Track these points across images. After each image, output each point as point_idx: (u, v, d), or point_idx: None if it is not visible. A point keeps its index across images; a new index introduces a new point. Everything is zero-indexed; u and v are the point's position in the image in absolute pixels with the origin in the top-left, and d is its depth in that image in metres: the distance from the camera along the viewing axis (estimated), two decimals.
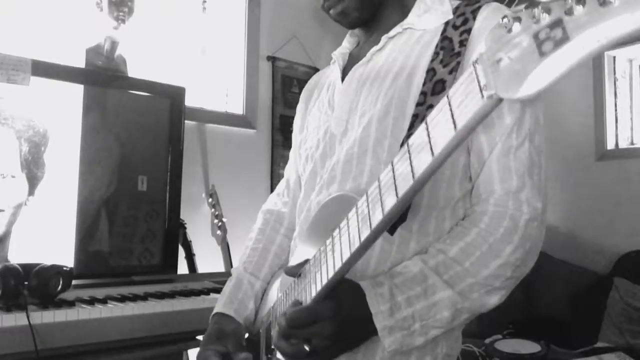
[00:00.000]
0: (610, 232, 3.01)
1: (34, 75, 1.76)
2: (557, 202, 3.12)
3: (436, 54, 0.85)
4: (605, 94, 3.14)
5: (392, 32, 0.92)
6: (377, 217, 0.61)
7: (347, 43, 1.06)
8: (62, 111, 1.88)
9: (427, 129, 0.55)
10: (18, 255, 1.73)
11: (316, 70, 1.20)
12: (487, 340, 2.52)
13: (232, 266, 2.47)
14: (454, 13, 0.88)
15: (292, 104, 3.23)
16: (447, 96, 0.52)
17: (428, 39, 0.89)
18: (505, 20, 0.46)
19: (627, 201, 2.98)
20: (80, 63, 2.11)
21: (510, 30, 0.46)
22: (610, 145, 3.16)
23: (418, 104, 0.82)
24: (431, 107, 0.79)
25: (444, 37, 0.86)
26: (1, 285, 1.33)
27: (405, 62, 0.89)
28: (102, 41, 2.18)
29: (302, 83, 3.26)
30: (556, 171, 3.08)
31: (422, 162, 0.55)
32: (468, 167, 0.85)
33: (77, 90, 1.91)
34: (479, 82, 0.49)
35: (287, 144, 3.22)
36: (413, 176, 0.56)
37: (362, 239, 0.64)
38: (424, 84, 0.83)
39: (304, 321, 0.75)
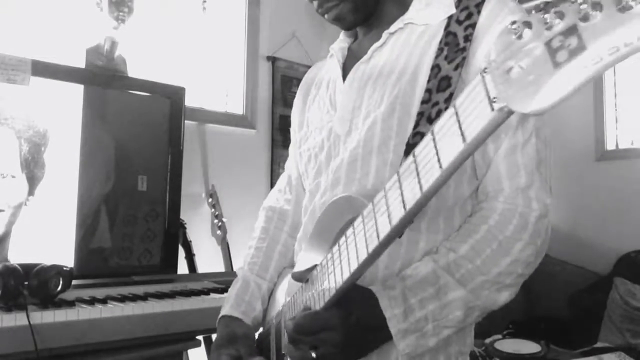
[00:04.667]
0: (610, 232, 3.01)
1: (34, 75, 1.76)
2: (557, 202, 3.11)
3: (440, 49, 0.82)
4: (605, 94, 3.14)
5: (392, 28, 0.89)
6: (385, 229, 0.60)
7: (345, 36, 1.03)
8: (62, 111, 1.88)
9: (434, 139, 0.53)
10: (18, 255, 1.73)
11: None
12: (487, 340, 2.52)
13: (232, 266, 2.48)
14: (456, 7, 0.85)
15: (292, 104, 3.22)
16: (454, 106, 0.50)
17: (431, 35, 0.86)
18: (515, 25, 0.43)
19: (627, 201, 2.98)
20: (80, 63, 2.11)
21: (520, 37, 0.43)
22: (610, 145, 3.16)
23: (423, 102, 0.80)
24: (437, 104, 0.78)
25: (448, 32, 0.83)
26: (1, 285, 1.33)
27: (408, 59, 0.86)
28: (102, 41, 2.17)
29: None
30: (556, 171, 3.07)
31: (430, 175, 0.53)
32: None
33: (77, 90, 1.91)
34: (488, 93, 0.46)
35: (287, 143, 3.21)
36: (421, 188, 0.54)
37: (370, 250, 0.63)
38: (428, 81, 0.81)
39: (311, 328, 0.74)
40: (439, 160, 0.52)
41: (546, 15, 0.41)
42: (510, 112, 0.45)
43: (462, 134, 0.49)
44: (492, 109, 0.45)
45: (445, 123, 0.51)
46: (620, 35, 0.37)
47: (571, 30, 0.39)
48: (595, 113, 3.14)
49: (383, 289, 0.77)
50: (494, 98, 0.45)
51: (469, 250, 0.77)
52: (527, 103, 0.42)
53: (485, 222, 0.78)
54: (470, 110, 0.48)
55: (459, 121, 0.49)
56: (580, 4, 0.39)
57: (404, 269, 0.81)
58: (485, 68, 0.46)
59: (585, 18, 0.38)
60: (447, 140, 0.51)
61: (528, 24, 0.42)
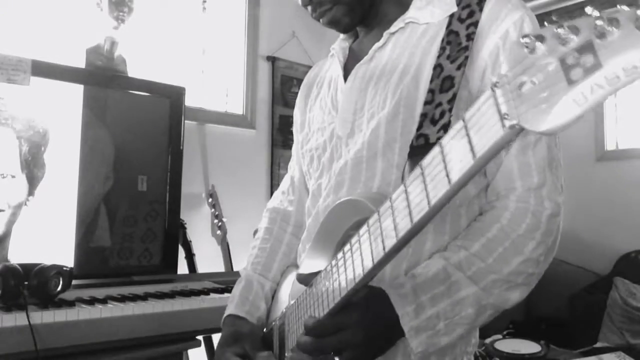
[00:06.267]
0: (610, 232, 3.01)
1: (34, 75, 1.76)
2: None
3: (442, 49, 0.81)
4: None
5: (393, 28, 0.88)
6: (391, 242, 0.59)
7: (345, 36, 1.02)
8: (62, 111, 1.88)
9: (443, 153, 0.52)
10: (18, 255, 1.73)
11: None
12: (487, 340, 2.52)
13: (232, 266, 2.48)
14: (458, 4, 0.84)
15: (292, 104, 3.22)
16: (464, 119, 0.49)
17: (433, 34, 0.85)
18: (527, 39, 0.42)
19: (627, 201, 2.98)
20: (80, 63, 2.11)
21: (533, 51, 0.41)
22: (610, 146, 3.16)
23: (426, 103, 0.79)
24: (440, 105, 0.77)
25: (450, 31, 0.82)
26: (1, 285, 1.33)
27: (410, 59, 0.85)
28: (102, 41, 2.17)
29: (301, 83, 3.26)
30: None
31: (438, 189, 0.52)
32: None
33: (77, 90, 1.91)
34: (499, 109, 0.44)
35: (287, 143, 3.22)
36: (429, 203, 0.53)
37: (376, 260, 0.62)
38: (431, 81, 0.80)
39: (328, 329, 0.73)
40: (447, 175, 0.51)
41: (560, 30, 0.39)
42: (522, 130, 0.43)
43: (472, 150, 0.47)
44: (503, 126, 0.44)
45: (454, 137, 0.50)
46: (638, 54, 0.36)
47: (587, 47, 0.38)
48: (595, 113, 3.13)
49: (393, 288, 0.76)
50: (505, 115, 0.44)
51: (480, 249, 0.76)
52: (539, 121, 0.41)
53: (498, 221, 0.78)
54: (480, 125, 0.47)
55: (468, 136, 0.48)
56: (596, 18, 0.38)
57: (410, 269, 0.80)
58: (497, 82, 0.45)
59: (601, 35, 0.37)
60: (456, 154, 0.50)
61: (541, 38, 0.41)
